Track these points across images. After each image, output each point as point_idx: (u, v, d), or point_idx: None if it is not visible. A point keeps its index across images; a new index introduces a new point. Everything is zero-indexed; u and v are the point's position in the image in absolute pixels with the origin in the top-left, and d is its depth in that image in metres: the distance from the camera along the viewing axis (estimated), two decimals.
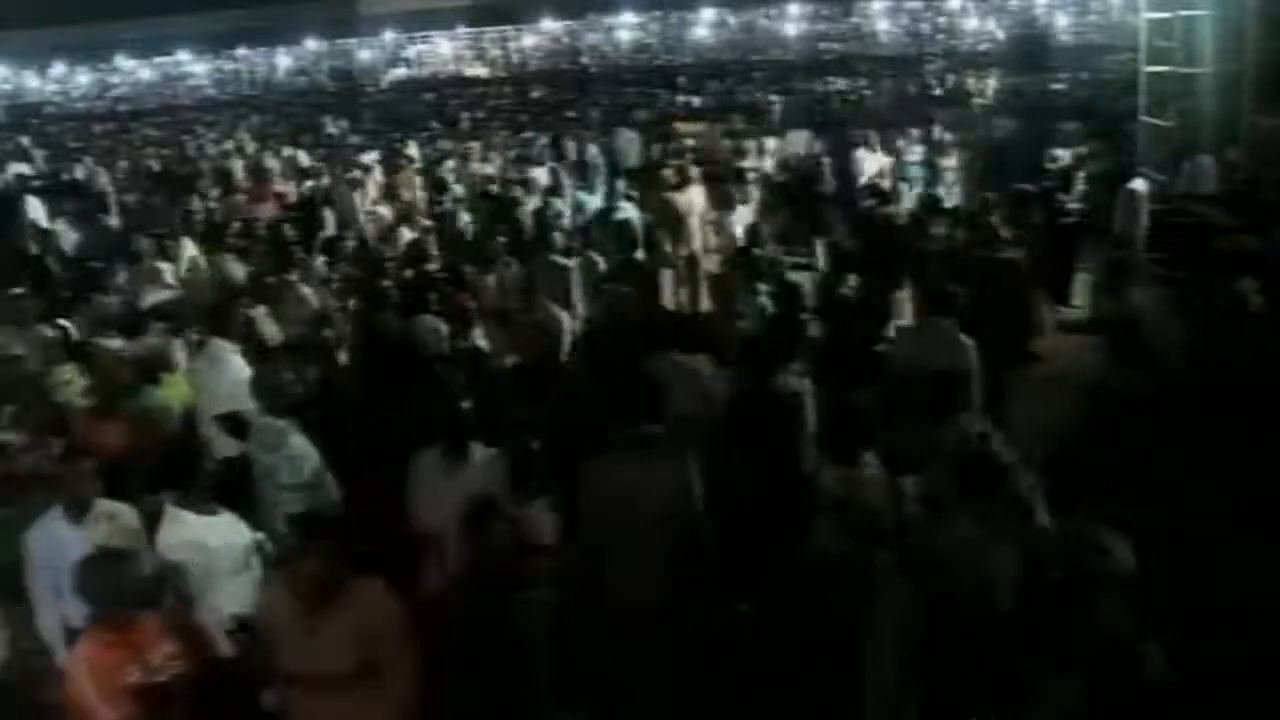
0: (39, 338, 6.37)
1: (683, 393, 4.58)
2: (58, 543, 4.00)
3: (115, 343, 6.14)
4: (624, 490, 3.63)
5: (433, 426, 4.27)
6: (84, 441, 4.75)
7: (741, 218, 9.35)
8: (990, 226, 7.64)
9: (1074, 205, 9.72)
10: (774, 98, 19.95)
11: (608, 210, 9.54)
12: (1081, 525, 2.62)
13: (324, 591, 3.19)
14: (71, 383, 5.72)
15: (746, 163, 12.52)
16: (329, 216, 11.08)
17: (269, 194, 12.36)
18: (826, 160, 12.19)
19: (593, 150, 14.15)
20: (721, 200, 9.80)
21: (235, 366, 5.52)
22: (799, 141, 13.99)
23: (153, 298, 7.33)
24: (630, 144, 15.02)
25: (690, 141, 15.42)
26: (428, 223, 10.27)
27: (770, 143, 14.15)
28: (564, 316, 6.33)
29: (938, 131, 13.23)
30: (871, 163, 11.63)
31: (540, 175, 12.05)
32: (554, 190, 11.19)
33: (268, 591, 3.45)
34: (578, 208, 10.58)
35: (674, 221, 9.45)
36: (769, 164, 12.94)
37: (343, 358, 6.34)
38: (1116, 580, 2.47)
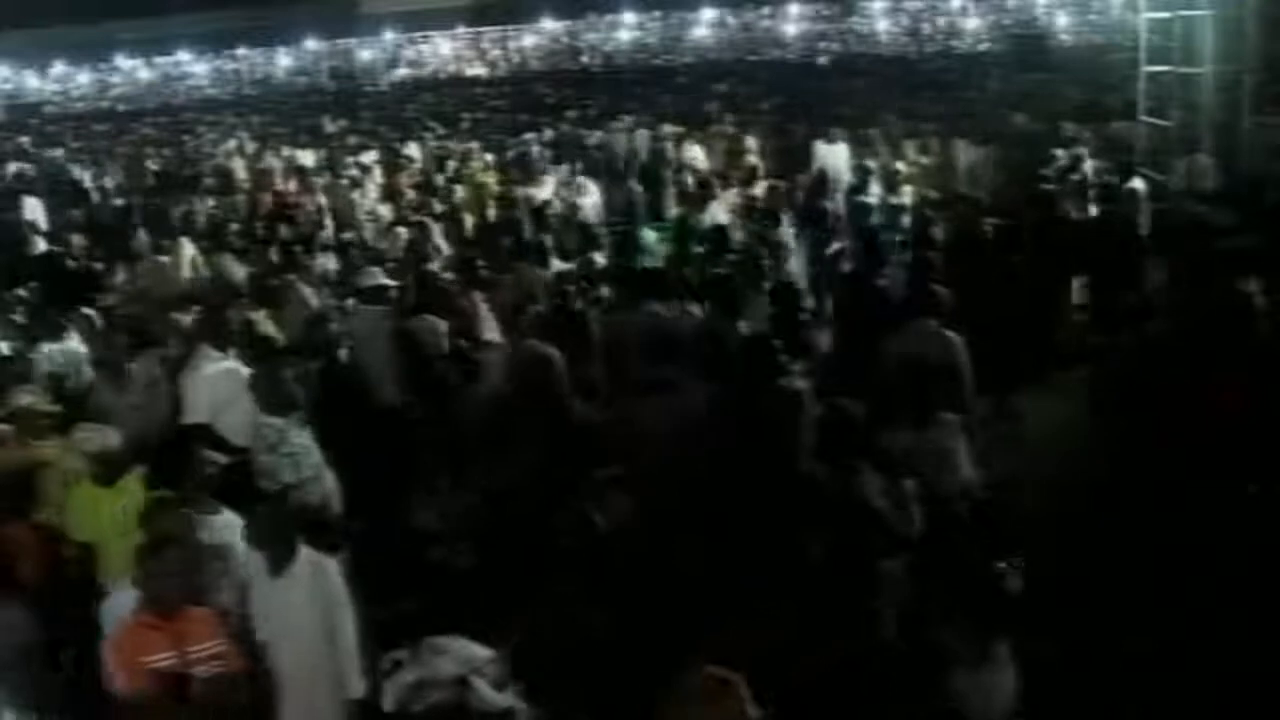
0: None
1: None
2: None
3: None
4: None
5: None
6: None
7: None
8: (981, 230, 7.64)
9: (1073, 205, 9.68)
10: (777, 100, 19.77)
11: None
12: None
13: None
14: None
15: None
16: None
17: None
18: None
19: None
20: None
21: (213, 373, 5.34)
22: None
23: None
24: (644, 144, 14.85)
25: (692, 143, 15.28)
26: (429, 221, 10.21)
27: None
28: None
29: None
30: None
31: (550, 179, 12.01)
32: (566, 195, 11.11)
33: None
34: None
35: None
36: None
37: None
38: None
